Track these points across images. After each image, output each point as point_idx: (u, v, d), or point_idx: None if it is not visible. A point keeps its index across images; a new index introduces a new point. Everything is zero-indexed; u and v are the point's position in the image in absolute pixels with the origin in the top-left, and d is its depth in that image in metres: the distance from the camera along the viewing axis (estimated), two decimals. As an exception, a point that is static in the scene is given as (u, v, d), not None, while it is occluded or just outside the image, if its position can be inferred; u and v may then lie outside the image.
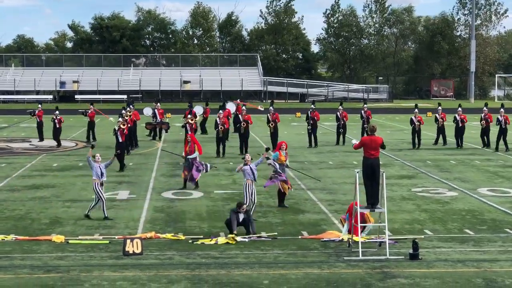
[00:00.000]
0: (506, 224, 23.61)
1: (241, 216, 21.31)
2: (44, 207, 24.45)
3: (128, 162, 34.70)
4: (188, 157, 28.57)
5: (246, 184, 23.39)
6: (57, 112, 43.06)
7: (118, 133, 32.82)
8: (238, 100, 53.63)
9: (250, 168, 23.73)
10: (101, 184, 22.51)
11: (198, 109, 45.30)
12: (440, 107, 44.22)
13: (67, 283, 16.39)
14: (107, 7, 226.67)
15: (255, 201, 24.06)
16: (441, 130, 44.12)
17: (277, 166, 25.70)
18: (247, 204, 22.83)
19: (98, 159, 22.93)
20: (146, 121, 46.87)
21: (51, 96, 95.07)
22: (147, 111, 47.32)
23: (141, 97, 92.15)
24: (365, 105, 47.81)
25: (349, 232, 20.86)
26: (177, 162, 35.39)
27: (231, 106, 46.86)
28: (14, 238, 20.04)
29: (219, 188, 28.40)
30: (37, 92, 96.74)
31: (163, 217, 23.07)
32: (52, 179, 30.53)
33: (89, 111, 45.01)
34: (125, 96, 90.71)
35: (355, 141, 22.04)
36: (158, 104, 47.04)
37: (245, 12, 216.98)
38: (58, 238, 19.87)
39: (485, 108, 43.26)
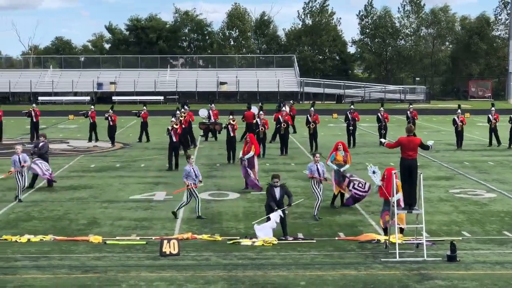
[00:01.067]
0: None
1: (277, 192, 21.31)
2: (82, 207, 24.69)
3: (166, 163, 35.08)
4: (244, 157, 28.84)
5: (312, 181, 23.64)
6: (111, 111, 44.26)
7: (172, 132, 33.33)
8: (291, 102, 54.53)
9: (317, 166, 24.05)
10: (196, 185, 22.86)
11: (254, 109, 45.65)
12: (493, 108, 43.93)
13: (104, 283, 16.59)
14: (144, 9, 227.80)
15: (321, 198, 24.20)
16: (493, 131, 43.92)
17: (334, 167, 26.01)
18: (318, 201, 23.33)
19: (192, 160, 23.26)
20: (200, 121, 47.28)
21: (88, 97, 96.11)
22: (203, 112, 47.85)
23: (177, 98, 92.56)
24: (410, 106, 48.32)
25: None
26: (214, 163, 35.62)
27: (285, 108, 47.30)
28: (52, 239, 20.29)
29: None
30: (75, 94, 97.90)
31: (199, 218, 23.34)
32: (89, 180, 30.79)
33: (142, 112, 45.95)
34: (162, 97, 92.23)
35: (384, 140, 22.40)
36: (213, 105, 47.75)
37: (281, 14, 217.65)
38: (95, 238, 20.05)
39: None
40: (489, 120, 43.61)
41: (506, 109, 65.31)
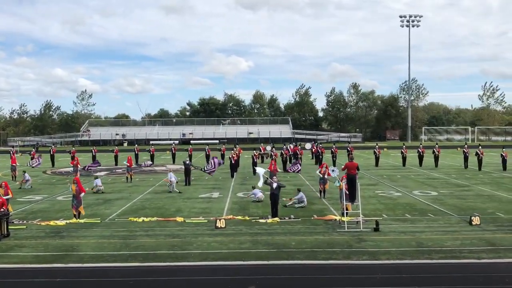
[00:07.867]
0: (428, 211, 28.91)
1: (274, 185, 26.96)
2: None
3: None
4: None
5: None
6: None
7: None
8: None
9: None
10: None
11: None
12: (404, 145, 62.91)
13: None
14: (207, 93, 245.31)
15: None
16: (404, 158, 59.95)
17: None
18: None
19: None
20: None
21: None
22: None
23: (225, 141, 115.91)
24: (349, 144, 67.61)
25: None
26: None
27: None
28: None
29: None
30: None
31: None
32: None
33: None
34: (217, 141, 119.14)
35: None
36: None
37: (281, 96, 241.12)
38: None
39: (421, 145, 60.96)
40: (401, 152, 60.78)
41: (408, 146, 69.74)
